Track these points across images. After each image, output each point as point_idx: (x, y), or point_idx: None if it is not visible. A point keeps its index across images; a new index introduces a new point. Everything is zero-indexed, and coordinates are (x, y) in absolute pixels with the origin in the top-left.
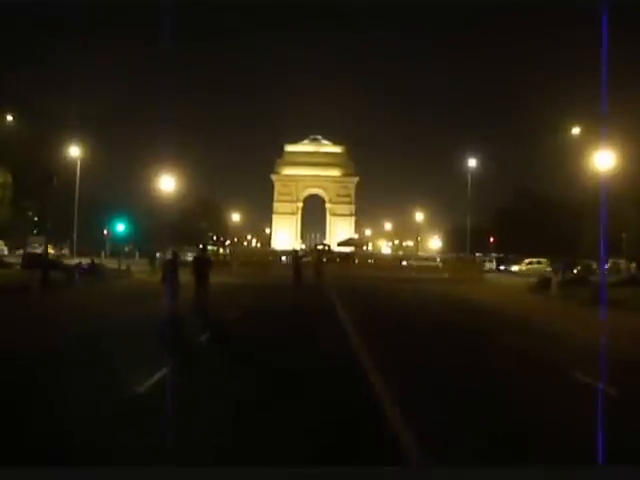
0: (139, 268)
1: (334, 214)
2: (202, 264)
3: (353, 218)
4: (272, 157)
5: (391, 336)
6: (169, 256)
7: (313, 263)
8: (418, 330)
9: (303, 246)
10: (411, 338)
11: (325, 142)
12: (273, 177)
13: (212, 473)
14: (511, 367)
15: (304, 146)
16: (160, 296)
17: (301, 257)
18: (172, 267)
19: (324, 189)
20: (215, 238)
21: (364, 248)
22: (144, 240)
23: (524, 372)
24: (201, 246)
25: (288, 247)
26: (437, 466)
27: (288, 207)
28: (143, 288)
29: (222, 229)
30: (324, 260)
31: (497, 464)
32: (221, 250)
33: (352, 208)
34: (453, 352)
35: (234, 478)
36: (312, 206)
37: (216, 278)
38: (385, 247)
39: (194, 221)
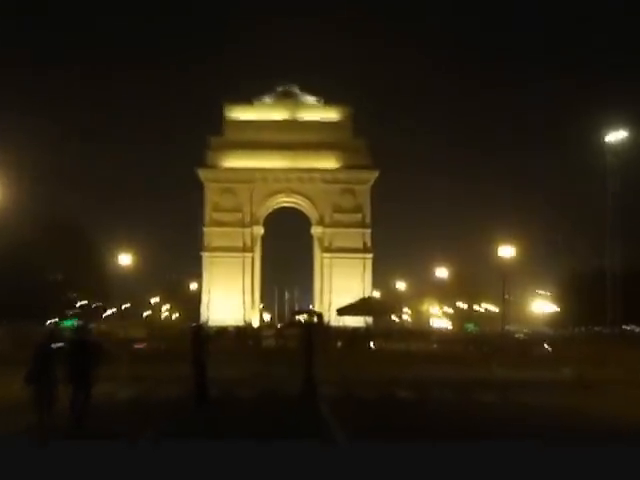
0: None
1: (329, 249)
2: (84, 353)
3: (369, 257)
4: (202, 138)
5: None
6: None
7: (296, 351)
8: None
9: (268, 316)
10: None
11: (308, 99)
12: (202, 174)
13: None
14: None
15: (265, 108)
16: None
17: (213, 338)
18: (46, 358)
19: (308, 197)
20: (80, 303)
21: (393, 317)
22: None
23: None
24: (77, 323)
25: (236, 319)
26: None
27: (234, 237)
28: None
29: (96, 284)
30: (311, 345)
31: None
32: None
33: (367, 236)
34: None
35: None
36: (283, 235)
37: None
38: (437, 317)
39: (35, 269)
